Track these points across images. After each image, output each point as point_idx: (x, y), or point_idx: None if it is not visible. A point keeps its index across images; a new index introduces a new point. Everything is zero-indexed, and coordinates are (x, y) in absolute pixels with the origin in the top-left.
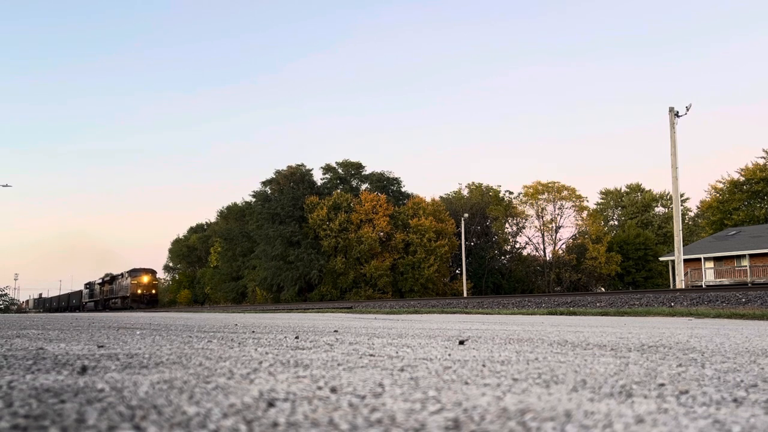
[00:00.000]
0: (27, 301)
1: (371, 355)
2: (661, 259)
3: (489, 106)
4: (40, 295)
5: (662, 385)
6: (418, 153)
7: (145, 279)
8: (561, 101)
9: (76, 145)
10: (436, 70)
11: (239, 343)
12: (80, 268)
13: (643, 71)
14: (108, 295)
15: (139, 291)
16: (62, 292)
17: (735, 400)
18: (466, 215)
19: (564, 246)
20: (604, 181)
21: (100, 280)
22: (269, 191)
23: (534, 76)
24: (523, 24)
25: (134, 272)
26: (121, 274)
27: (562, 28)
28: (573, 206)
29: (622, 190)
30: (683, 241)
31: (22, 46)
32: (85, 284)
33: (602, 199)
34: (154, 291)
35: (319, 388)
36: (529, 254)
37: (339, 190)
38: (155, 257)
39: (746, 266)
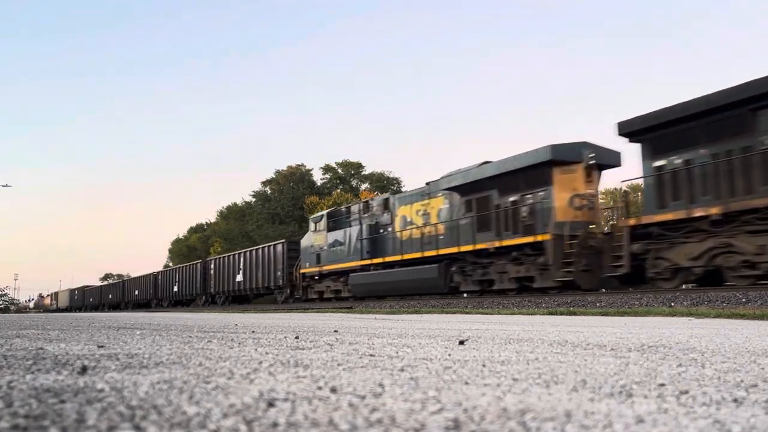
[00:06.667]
0: (52, 295)
1: (371, 355)
2: None
3: (489, 105)
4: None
5: (662, 385)
6: (418, 153)
7: None
8: (561, 101)
9: (75, 144)
10: (436, 70)
11: (239, 343)
12: (81, 268)
13: (643, 71)
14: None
15: None
16: (173, 265)
17: (735, 400)
18: None
19: None
20: (603, 181)
21: (423, 189)
22: (269, 191)
23: (535, 76)
24: (523, 23)
25: None
26: None
27: (562, 28)
28: None
29: (623, 190)
30: None
31: (17, 41)
32: (288, 243)
33: (602, 198)
34: None
35: (319, 388)
36: None
37: (339, 190)
38: (155, 257)
39: None
